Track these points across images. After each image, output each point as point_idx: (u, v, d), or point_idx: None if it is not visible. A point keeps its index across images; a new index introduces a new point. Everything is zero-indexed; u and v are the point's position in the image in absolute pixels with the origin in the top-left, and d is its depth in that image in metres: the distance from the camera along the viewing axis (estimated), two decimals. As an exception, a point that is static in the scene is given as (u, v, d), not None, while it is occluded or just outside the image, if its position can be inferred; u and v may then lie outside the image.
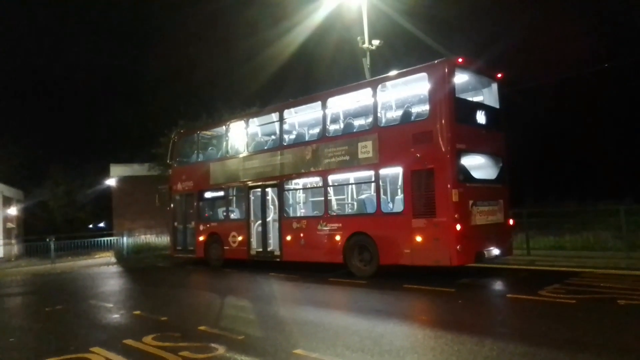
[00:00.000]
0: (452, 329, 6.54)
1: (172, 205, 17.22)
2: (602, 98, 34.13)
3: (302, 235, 12.81)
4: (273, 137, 15.01)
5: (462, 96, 11.30)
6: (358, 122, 13.01)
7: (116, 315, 8.92)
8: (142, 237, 23.48)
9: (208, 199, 16.20)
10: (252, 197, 14.50)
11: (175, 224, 17.13)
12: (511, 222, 11.74)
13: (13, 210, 26.48)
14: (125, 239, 21.72)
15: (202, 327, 7.09)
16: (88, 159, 37.73)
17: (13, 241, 25.84)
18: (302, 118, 14.56)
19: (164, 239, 22.06)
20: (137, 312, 8.83)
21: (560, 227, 15.35)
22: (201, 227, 16.00)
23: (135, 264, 18.92)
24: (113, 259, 20.69)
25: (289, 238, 13.13)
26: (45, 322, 8.72)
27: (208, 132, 17.42)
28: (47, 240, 20.94)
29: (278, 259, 13.50)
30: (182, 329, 7.08)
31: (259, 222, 14.28)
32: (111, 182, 30.52)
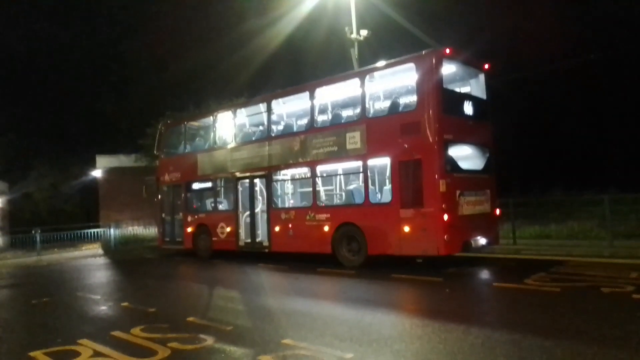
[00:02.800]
0: (439, 317, 6.61)
1: (159, 196, 17.12)
2: (587, 88, 34.44)
3: (290, 226, 12.83)
4: (261, 127, 14.96)
5: (450, 87, 11.34)
6: (346, 113, 13.01)
7: (104, 307, 8.89)
8: (130, 228, 23.33)
9: (196, 190, 16.13)
10: (240, 188, 14.47)
11: (163, 215, 17.05)
12: (498, 212, 11.86)
13: (-3, 202, 26.16)
14: (112, 230, 21.56)
15: (190, 318, 7.09)
16: (73, 150, 37.18)
17: (-3, 233, 25.55)
18: (290, 108, 14.52)
19: (152, 231, 21.95)
20: (125, 303, 8.80)
21: (546, 216, 15.53)
22: (189, 219, 15.94)
23: (122, 255, 18.82)
24: (100, 251, 20.56)
25: (277, 229, 13.14)
26: (32, 314, 8.67)
27: (195, 123, 17.31)
28: (33, 232, 20.73)
29: (267, 250, 13.51)
30: (171, 320, 7.08)
31: (248, 213, 14.26)
32: (97, 173, 30.21)
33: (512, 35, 32.99)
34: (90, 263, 16.98)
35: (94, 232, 22.96)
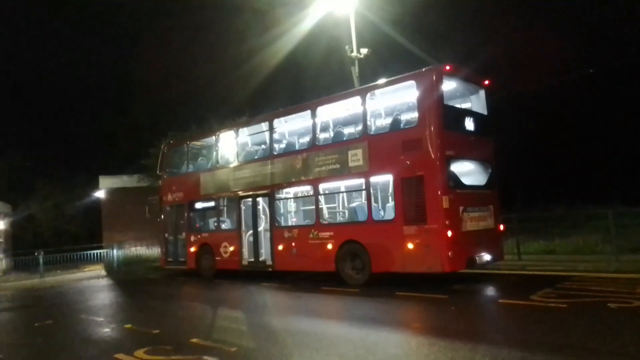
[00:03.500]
0: (446, 335, 6.55)
1: (162, 216, 17.11)
2: (589, 102, 34.57)
3: (293, 244, 12.79)
4: (263, 146, 15.01)
5: (450, 103, 11.39)
6: (348, 131, 13.06)
7: (107, 329, 8.83)
8: (133, 249, 23.29)
9: (199, 210, 16.12)
10: (243, 207, 14.46)
11: (166, 235, 17.02)
12: (502, 227, 11.81)
13: (0, 225, 26.15)
14: (115, 251, 21.52)
15: (194, 340, 7.03)
16: (76, 171, 37.38)
17: (1, 255, 25.48)
18: (292, 127, 14.58)
19: (155, 251, 21.89)
20: (129, 325, 8.74)
21: (550, 231, 15.46)
22: (192, 238, 15.91)
23: (125, 276, 18.75)
24: (103, 272, 20.49)
25: (280, 247, 13.10)
26: (35, 337, 8.59)
27: (198, 143, 17.38)
28: (36, 254, 20.70)
29: (270, 269, 13.45)
30: (174, 342, 7.02)
31: (251, 232, 14.23)
32: (100, 194, 30.28)
33: (512, 51, 33.25)
34: (93, 284, 16.92)
35: (96, 253, 22.91)
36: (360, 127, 12.07)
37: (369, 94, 11.78)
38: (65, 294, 14.87)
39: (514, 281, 11.12)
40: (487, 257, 10.82)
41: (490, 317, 8.21)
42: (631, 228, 13.40)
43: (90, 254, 22.90)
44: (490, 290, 10.49)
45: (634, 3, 32.08)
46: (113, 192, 29.73)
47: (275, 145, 14.20)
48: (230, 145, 15.18)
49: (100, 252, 22.97)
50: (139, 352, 6.50)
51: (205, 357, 6.05)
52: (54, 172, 38.42)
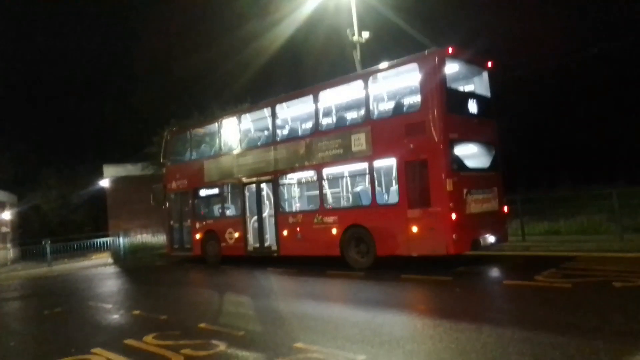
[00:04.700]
0: (451, 317, 6.60)
1: (167, 203, 17.19)
2: (593, 83, 34.29)
3: (298, 229, 12.85)
4: (266, 132, 15.00)
5: (453, 86, 11.32)
6: (350, 115, 13.02)
7: (116, 316, 8.94)
8: (139, 236, 23.45)
9: (203, 197, 16.19)
10: (247, 193, 14.51)
11: (171, 222, 17.11)
12: (506, 209, 11.82)
13: (7, 215, 26.32)
14: (121, 239, 21.67)
15: (202, 325, 7.12)
16: (80, 161, 37.50)
17: (8, 245, 25.72)
18: (294, 112, 14.55)
19: (161, 238, 22.03)
20: (137, 311, 8.85)
21: (554, 212, 15.44)
22: (197, 225, 16.00)
23: (132, 264, 18.92)
24: (110, 260, 20.67)
25: (285, 233, 13.16)
26: (45, 325, 8.73)
27: (201, 130, 17.39)
28: (43, 243, 20.88)
29: (275, 254, 13.53)
30: (182, 327, 7.11)
31: (255, 218, 14.30)
32: (105, 183, 30.38)
33: (515, 33, 32.95)
34: (101, 272, 17.08)
35: (103, 242, 23.08)
36: (363, 112, 12.03)
37: (371, 78, 11.72)
38: (73, 282, 15.03)
39: (518, 262, 11.16)
40: (491, 238, 10.86)
41: (494, 298, 8.26)
42: (635, 207, 13.38)
43: (96, 242, 23.07)
44: (494, 272, 10.54)
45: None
46: (117, 181, 29.82)
47: (278, 131, 14.19)
48: (233, 132, 15.17)
49: (106, 241, 23.13)
50: (148, 338, 6.59)
51: (213, 341, 6.13)
52: (58, 162, 38.58)
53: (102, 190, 31.48)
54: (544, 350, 4.92)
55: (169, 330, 6.93)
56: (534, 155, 34.24)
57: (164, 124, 23.71)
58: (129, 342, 6.51)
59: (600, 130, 34.88)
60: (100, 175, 31.09)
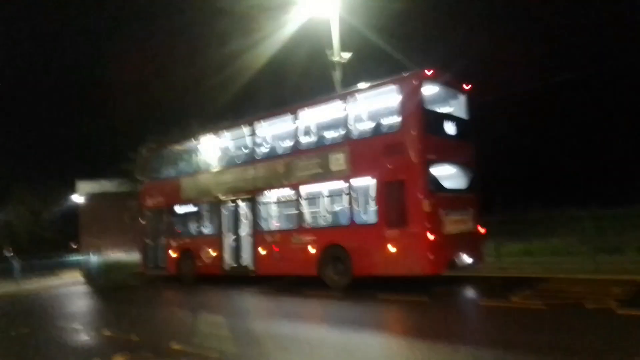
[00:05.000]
0: (427, 337, 6.59)
1: (142, 221, 16.91)
2: (567, 106, 35.26)
3: (276, 248, 12.74)
4: (245, 150, 14.94)
5: (432, 108, 11.49)
6: (330, 135, 13.07)
7: (85, 337, 8.69)
8: (112, 255, 22.96)
9: (180, 215, 15.97)
10: (224, 212, 14.37)
11: (146, 240, 16.82)
12: (482, 230, 11.94)
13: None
14: (93, 257, 21.18)
15: (175, 346, 6.95)
16: (53, 176, 36.78)
17: (-25, 263, 24.92)
18: (273, 131, 14.53)
19: (135, 256, 21.60)
20: (107, 332, 8.61)
21: (529, 233, 15.66)
22: (173, 243, 15.75)
23: (104, 283, 18.44)
24: (81, 279, 20.14)
25: (262, 252, 13.04)
26: (12, 346, 8.41)
27: (179, 147, 17.20)
28: (11, 260, 20.28)
29: (252, 274, 13.37)
30: (155, 349, 6.93)
31: (232, 236, 14.14)
32: (79, 199, 29.83)
33: (489, 57, 33.76)
34: (71, 291, 16.63)
35: (75, 260, 22.54)
36: (342, 131, 12.10)
37: (350, 98, 11.82)
38: (43, 301, 14.59)
39: (494, 283, 11.23)
40: (467, 259, 10.93)
41: (471, 319, 8.29)
42: (607, 230, 13.64)
43: (68, 260, 22.51)
44: (470, 292, 10.60)
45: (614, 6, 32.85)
46: (92, 197, 29.35)
47: (257, 150, 14.15)
48: (211, 150, 15.08)
49: (78, 259, 22.59)
50: (117, 359, 6.40)
51: (186, 363, 5.99)
52: (30, 176, 37.72)
53: (76, 206, 30.88)
54: (519, 372, 4.93)
55: (140, 352, 6.75)
56: (509, 177, 34.81)
57: (142, 139, 23.44)
58: (99, 363, 6.32)
59: (574, 153, 35.75)
60: (73, 191, 30.52)
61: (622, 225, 13.64)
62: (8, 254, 19.87)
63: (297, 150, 12.71)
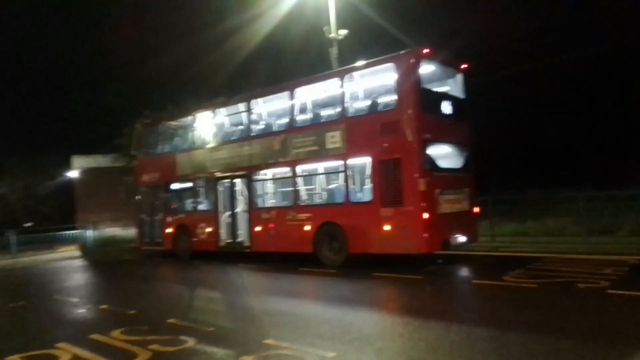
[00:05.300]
0: (420, 315, 6.69)
1: (138, 197, 16.91)
2: (562, 88, 35.18)
3: (271, 225, 12.80)
4: (241, 127, 14.89)
5: (428, 86, 11.44)
6: (326, 112, 13.02)
7: (82, 310, 8.76)
8: (108, 230, 23.02)
9: (175, 191, 15.97)
10: (220, 188, 14.38)
11: (142, 216, 16.85)
12: (477, 210, 12.01)
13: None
14: (90, 232, 21.23)
15: (171, 320, 7.03)
16: (48, 151, 36.65)
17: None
18: (269, 108, 14.48)
19: (131, 232, 21.66)
20: (104, 306, 8.68)
21: (523, 213, 15.79)
22: (169, 219, 15.78)
23: (101, 257, 18.55)
24: (78, 253, 20.23)
25: (258, 229, 13.10)
26: (9, 318, 8.49)
27: (174, 123, 17.09)
28: (5, 234, 20.32)
29: (248, 250, 13.46)
30: (151, 322, 7.01)
31: (228, 213, 14.19)
32: (73, 174, 29.74)
33: (487, 36, 33.49)
34: (68, 265, 16.70)
35: (71, 234, 22.59)
36: (338, 109, 12.05)
37: (347, 76, 11.75)
38: (39, 275, 14.66)
39: (487, 262, 11.37)
40: (462, 238, 11.03)
41: (463, 297, 8.40)
42: (601, 211, 13.77)
43: (64, 234, 22.56)
44: (464, 271, 10.72)
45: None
46: (87, 172, 29.27)
47: (253, 126, 14.10)
48: (207, 126, 15.01)
49: (74, 233, 22.64)
50: (115, 333, 6.47)
51: (182, 337, 6.07)
52: (24, 151, 37.53)
53: (71, 181, 30.80)
54: (510, 349, 5.02)
55: (137, 326, 6.82)
56: (505, 157, 34.90)
57: (137, 115, 23.25)
58: (95, 337, 6.39)
59: (569, 135, 35.80)
60: (68, 166, 30.40)
61: (616, 207, 13.77)
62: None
63: (293, 128, 12.67)
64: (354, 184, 11.87)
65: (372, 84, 12.15)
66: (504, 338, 5.39)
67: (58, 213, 35.44)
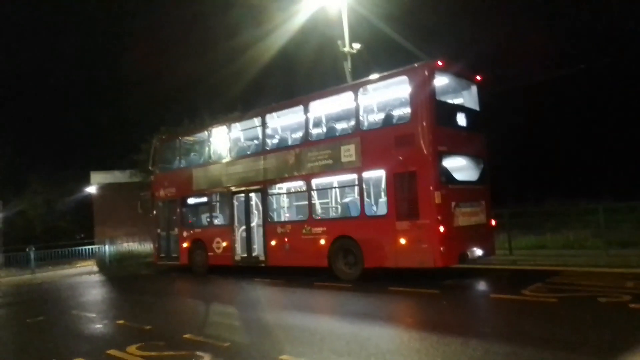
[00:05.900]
0: (437, 330, 6.59)
1: (154, 212, 17.05)
2: (581, 98, 34.80)
3: (286, 239, 12.79)
4: (256, 141, 14.98)
5: (443, 99, 11.41)
6: (340, 126, 13.05)
7: (99, 325, 8.81)
8: (125, 244, 23.20)
9: (191, 205, 16.08)
10: (235, 203, 14.44)
11: (159, 231, 16.96)
12: (493, 222, 11.87)
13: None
14: (107, 247, 21.42)
15: (187, 335, 7.03)
16: (67, 167, 37.20)
17: (-8, 251, 25.33)
18: (284, 122, 14.55)
19: (147, 247, 21.82)
20: (121, 321, 8.72)
21: (541, 226, 15.55)
22: (185, 234, 15.87)
23: (118, 272, 18.69)
24: (95, 268, 20.41)
25: (273, 243, 13.10)
26: (27, 334, 8.57)
27: (190, 138, 17.31)
28: (27, 249, 20.59)
29: (263, 264, 13.45)
30: (167, 338, 7.02)
31: (243, 227, 14.22)
32: (92, 189, 30.13)
33: (503, 48, 33.39)
34: (85, 280, 16.85)
35: (88, 249, 22.81)
36: (352, 123, 12.06)
37: (361, 89, 11.77)
38: (57, 290, 14.80)
39: (505, 276, 11.19)
40: (478, 252, 10.89)
41: (481, 312, 8.27)
42: (621, 223, 13.51)
43: (82, 249, 22.79)
44: (481, 285, 10.56)
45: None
46: (105, 188, 29.60)
47: (268, 141, 14.17)
48: (222, 141, 15.13)
49: (92, 248, 22.86)
50: (132, 348, 6.49)
51: (198, 353, 6.05)
52: (45, 167, 38.19)
53: (89, 196, 31.20)
54: (530, 365, 4.91)
55: (153, 341, 6.83)
56: (522, 169, 34.53)
57: (153, 131, 23.59)
58: (112, 352, 6.41)
59: (588, 146, 35.32)
60: (87, 181, 30.83)
61: (636, 219, 13.48)
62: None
63: (307, 142, 12.70)
64: (369, 197, 11.82)
65: (386, 97, 12.16)
66: (524, 354, 5.28)
67: (77, 228, 35.94)
